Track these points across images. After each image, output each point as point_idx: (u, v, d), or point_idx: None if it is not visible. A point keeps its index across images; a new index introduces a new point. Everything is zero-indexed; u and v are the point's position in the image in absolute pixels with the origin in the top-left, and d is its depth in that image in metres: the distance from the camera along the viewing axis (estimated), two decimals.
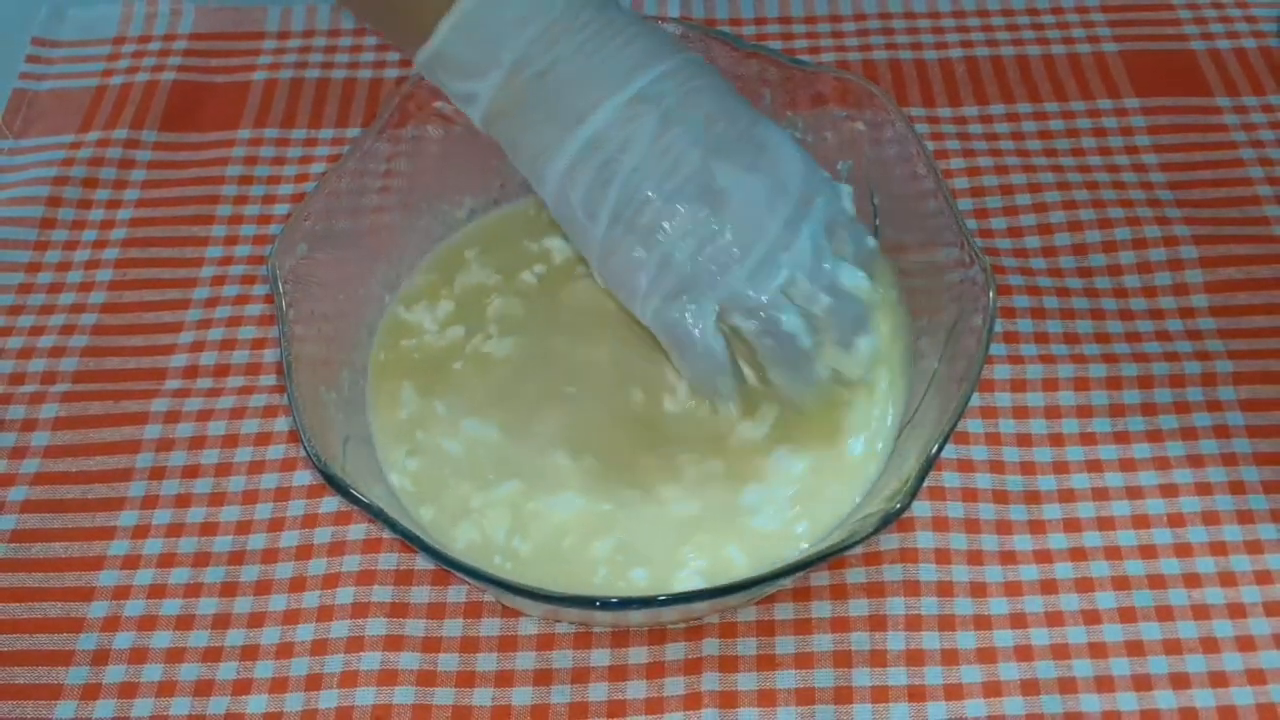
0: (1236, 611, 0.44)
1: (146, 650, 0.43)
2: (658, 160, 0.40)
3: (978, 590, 0.44)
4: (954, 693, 0.42)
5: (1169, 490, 0.47)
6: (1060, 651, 0.43)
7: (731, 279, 0.40)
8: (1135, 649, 0.43)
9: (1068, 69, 0.61)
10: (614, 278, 0.42)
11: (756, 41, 0.57)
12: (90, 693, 0.43)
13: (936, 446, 0.38)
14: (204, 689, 0.43)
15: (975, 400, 0.48)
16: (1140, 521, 0.46)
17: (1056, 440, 0.48)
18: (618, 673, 0.42)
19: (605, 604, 0.37)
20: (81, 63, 0.62)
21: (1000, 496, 0.46)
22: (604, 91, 0.40)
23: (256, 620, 0.44)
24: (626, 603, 0.37)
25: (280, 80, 0.61)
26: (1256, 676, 0.42)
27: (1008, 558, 0.45)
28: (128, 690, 0.43)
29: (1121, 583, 0.44)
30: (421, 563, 0.45)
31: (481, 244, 0.51)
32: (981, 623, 0.43)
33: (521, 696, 0.42)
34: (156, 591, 0.45)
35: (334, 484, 0.38)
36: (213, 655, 0.43)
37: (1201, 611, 0.44)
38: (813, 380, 0.42)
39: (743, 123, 0.41)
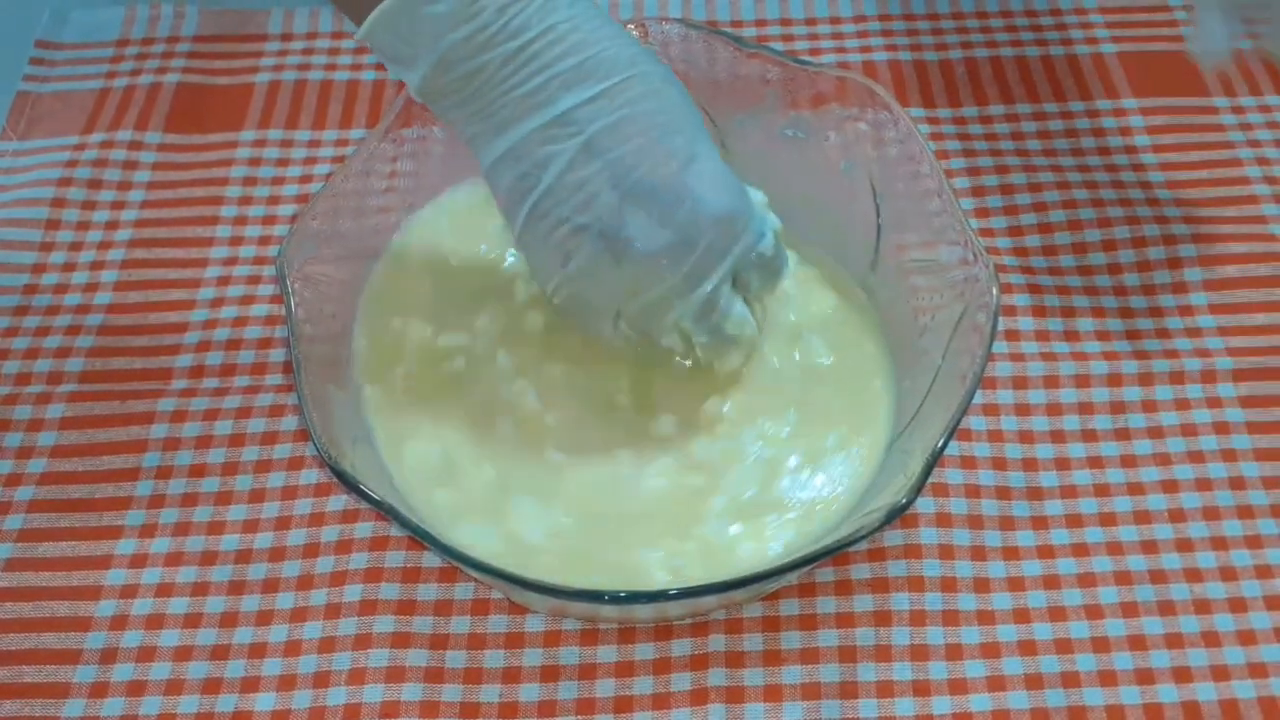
0: (1237, 606, 0.44)
1: (154, 649, 0.44)
2: (572, 192, 0.40)
3: (981, 585, 0.44)
4: (958, 687, 0.42)
5: (1170, 486, 0.47)
6: (1063, 646, 0.43)
7: (626, 307, 0.42)
8: (1137, 643, 0.43)
9: (1066, 70, 0.62)
10: (528, 258, 0.43)
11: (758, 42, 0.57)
12: (98, 691, 0.43)
13: (941, 442, 0.38)
14: (212, 687, 0.43)
15: (977, 397, 0.48)
16: (1141, 517, 0.46)
17: (1058, 437, 0.48)
18: (624, 669, 0.43)
19: (614, 597, 0.37)
20: (85, 65, 0.63)
21: (1003, 492, 0.47)
22: (525, 109, 0.39)
23: (264, 618, 0.44)
24: (635, 596, 0.37)
25: (284, 82, 0.62)
26: (1258, 670, 0.43)
27: (1010, 553, 0.45)
28: (135, 689, 0.43)
29: (1123, 577, 0.45)
30: (428, 560, 0.45)
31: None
32: (985, 618, 0.44)
33: (529, 693, 0.42)
34: (164, 590, 0.45)
35: (345, 481, 0.38)
36: (220, 653, 0.43)
37: (1203, 606, 0.44)
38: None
39: (673, 165, 0.39)
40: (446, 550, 0.37)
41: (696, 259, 0.40)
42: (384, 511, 0.37)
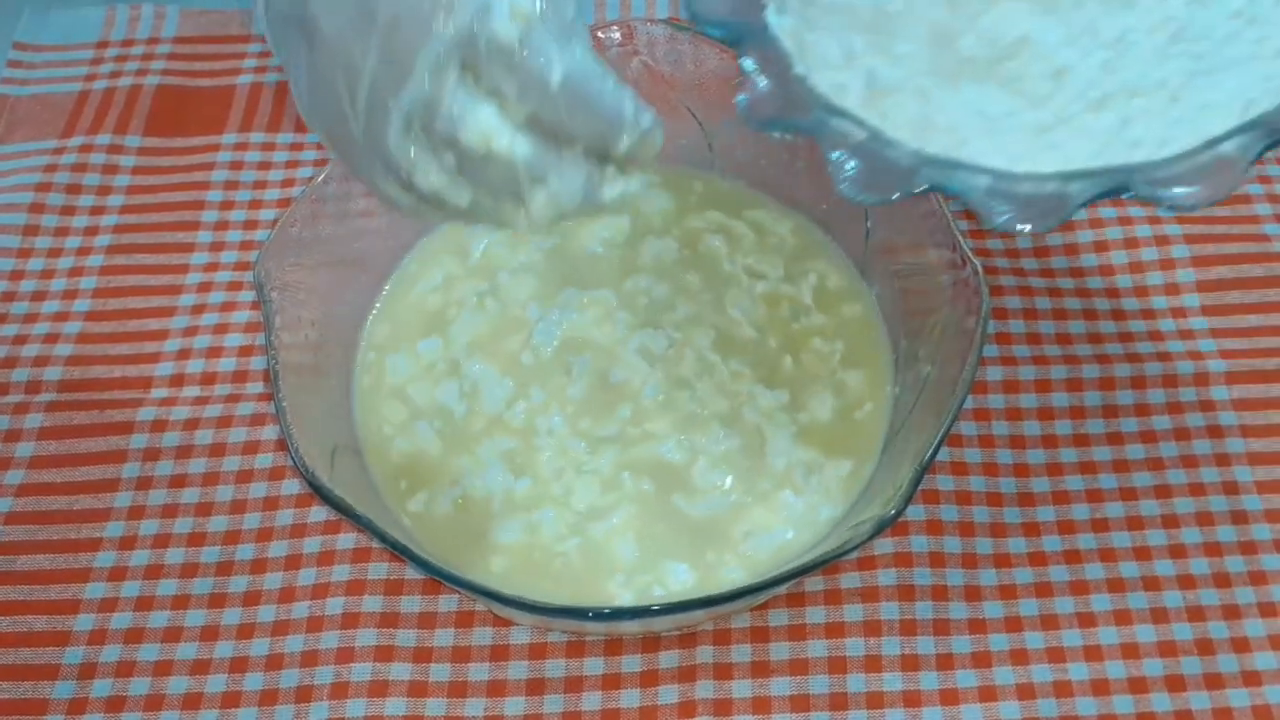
0: (1231, 613, 0.43)
1: (134, 664, 0.43)
2: None
3: (972, 594, 0.44)
4: (949, 698, 0.42)
5: (1162, 491, 0.46)
6: (1055, 655, 0.43)
7: (355, 125, 0.33)
8: (1130, 652, 0.43)
9: None
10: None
11: None
12: (76, 707, 0.42)
13: (930, 452, 0.38)
14: (192, 702, 0.42)
15: (968, 402, 0.48)
16: (1134, 523, 0.46)
17: (1050, 442, 0.48)
18: (611, 681, 0.42)
19: (598, 614, 0.36)
20: (64, 67, 0.62)
21: (994, 499, 0.46)
22: None
23: (245, 632, 0.44)
24: (619, 613, 0.37)
25: (266, 84, 0.61)
26: (1252, 678, 0.42)
27: (1002, 560, 0.45)
28: (115, 704, 0.42)
29: (1116, 585, 0.44)
30: (412, 572, 0.44)
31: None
32: (976, 627, 0.43)
33: (514, 706, 0.42)
34: (144, 604, 0.44)
35: (322, 495, 0.37)
36: (201, 668, 0.43)
37: (1196, 613, 0.43)
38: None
39: None
40: (426, 566, 0.36)
41: (383, 34, 0.31)
42: (361, 526, 0.37)
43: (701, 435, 0.45)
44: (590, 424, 0.45)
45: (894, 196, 0.33)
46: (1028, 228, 0.34)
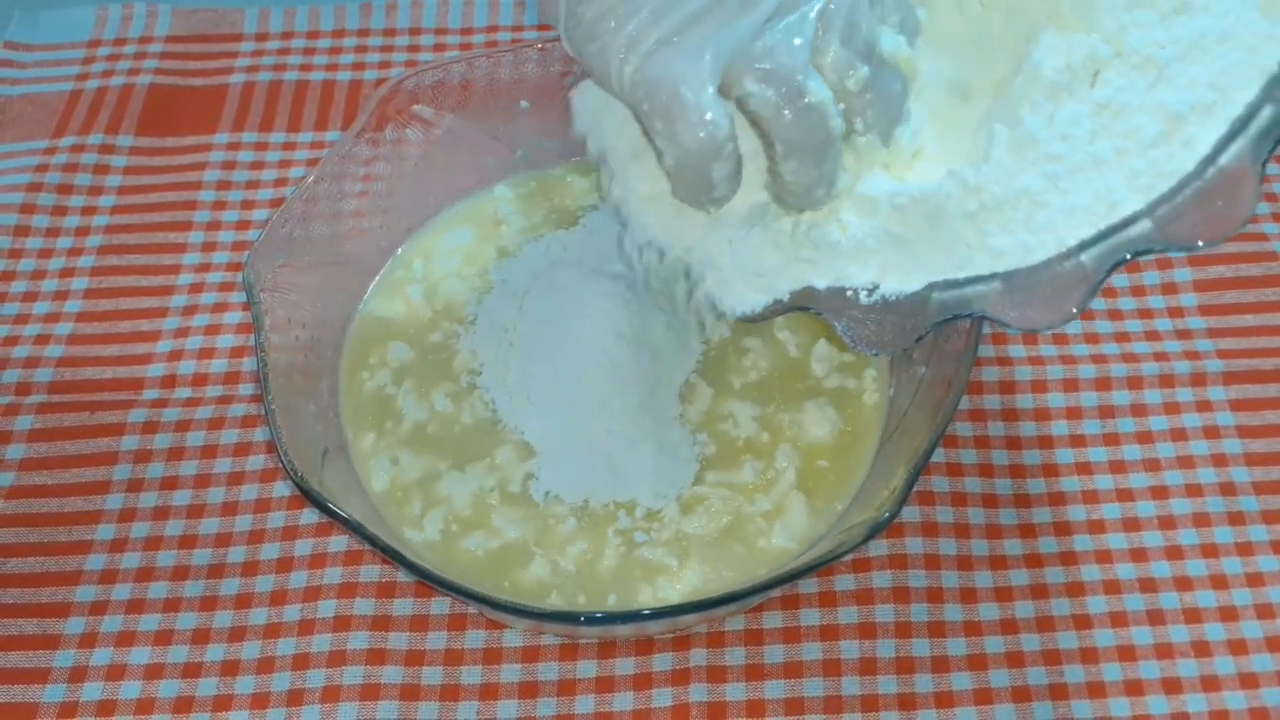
0: (1228, 614, 0.43)
1: (124, 667, 0.43)
2: None
3: (968, 596, 0.44)
4: (944, 700, 0.41)
5: (1159, 492, 0.46)
6: (1051, 657, 0.42)
7: (743, 26, 0.31)
8: (1127, 654, 0.42)
9: None
10: (585, 30, 0.32)
11: None
12: (67, 711, 0.42)
13: (924, 455, 0.37)
14: (183, 706, 0.42)
15: (964, 403, 0.48)
16: (1130, 524, 0.45)
17: (1046, 443, 0.47)
18: (605, 684, 0.42)
19: (590, 619, 0.36)
20: (56, 66, 0.61)
21: (989, 500, 0.46)
22: None
23: (237, 635, 0.43)
24: (611, 618, 0.36)
25: (258, 83, 0.60)
26: (1249, 680, 0.42)
27: (998, 562, 0.44)
28: (105, 708, 0.42)
29: (1112, 587, 0.44)
30: (404, 574, 0.44)
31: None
32: (972, 629, 0.43)
33: (507, 710, 0.41)
34: (134, 607, 0.44)
35: (311, 498, 0.37)
36: (192, 671, 0.43)
37: (1193, 615, 0.43)
38: (833, 180, 0.34)
39: None
40: (415, 569, 0.36)
41: None
42: (350, 529, 0.36)
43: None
44: None
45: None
46: (873, 352, 0.39)
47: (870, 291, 0.36)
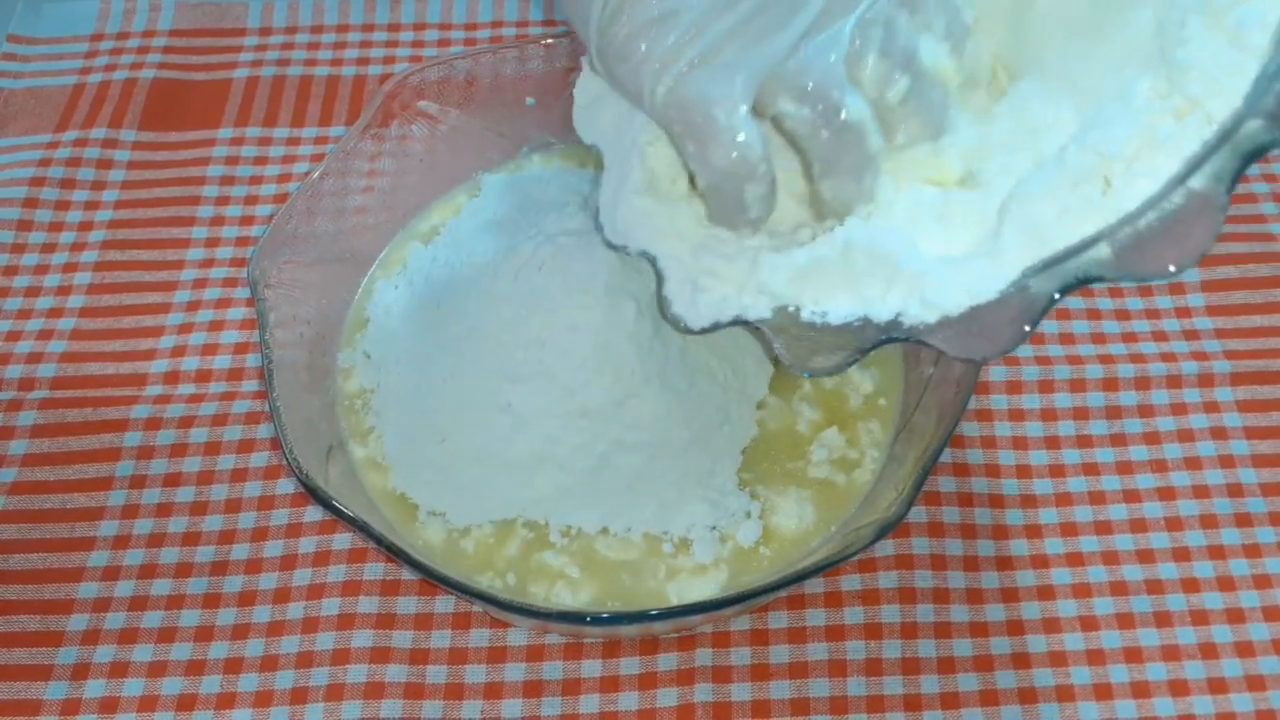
0: (1235, 617, 0.43)
1: (127, 664, 0.43)
2: None
3: (974, 597, 0.43)
4: (950, 701, 0.41)
5: (1166, 493, 0.46)
6: (1058, 659, 0.42)
7: (776, 44, 0.31)
8: (1133, 655, 0.42)
9: None
10: (618, 50, 0.32)
11: None
12: (70, 708, 0.42)
13: (932, 455, 0.37)
14: (187, 703, 0.42)
15: (970, 403, 0.47)
16: (1137, 525, 0.45)
17: (1053, 443, 0.47)
18: (609, 684, 0.42)
19: (595, 619, 0.36)
20: (59, 60, 0.61)
21: (996, 501, 0.46)
22: None
23: (240, 632, 0.43)
24: (617, 618, 0.36)
25: (262, 77, 0.60)
26: (1256, 683, 0.42)
27: (1004, 563, 0.44)
28: (108, 705, 0.42)
29: (1119, 588, 0.44)
30: (409, 573, 0.44)
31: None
32: (978, 629, 0.43)
33: (511, 709, 0.41)
34: (138, 604, 0.44)
35: (316, 495, 0.37)
36: (195, 669, 0.42)
37: (1200, 617, 0.43)
38: (873, 193, 0.33)
39: None
40: (419, 566, 0.36)
41: None
42: (356, 528, 0.36)
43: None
44: None
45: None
46: (806, 374, 0.36)
47: (814, 311, 0.34)
